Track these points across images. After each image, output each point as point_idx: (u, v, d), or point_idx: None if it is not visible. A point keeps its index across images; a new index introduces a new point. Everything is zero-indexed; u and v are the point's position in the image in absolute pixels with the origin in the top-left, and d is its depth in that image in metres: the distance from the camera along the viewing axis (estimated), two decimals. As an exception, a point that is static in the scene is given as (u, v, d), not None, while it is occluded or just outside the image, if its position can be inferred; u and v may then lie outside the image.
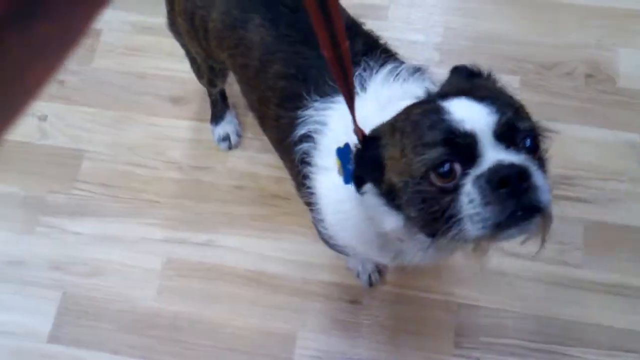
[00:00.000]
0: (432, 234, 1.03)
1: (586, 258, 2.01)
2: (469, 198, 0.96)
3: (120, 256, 2.11)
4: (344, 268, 2.04)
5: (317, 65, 1.36)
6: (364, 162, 1.09)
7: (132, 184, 2.22)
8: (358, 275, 2.01)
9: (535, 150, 1.01)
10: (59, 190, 2.22)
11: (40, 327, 2.03)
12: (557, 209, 2.00)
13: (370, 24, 1.55)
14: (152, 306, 2.04)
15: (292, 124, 1.37)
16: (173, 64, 2.24)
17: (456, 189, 0.97)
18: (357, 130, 1.09)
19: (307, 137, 1.33)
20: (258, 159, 2.22)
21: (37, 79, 0.33)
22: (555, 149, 2.09)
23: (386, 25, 2.46)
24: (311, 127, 1.32)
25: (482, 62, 1.23)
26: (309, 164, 1.34)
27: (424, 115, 1.02)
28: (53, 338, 2.01)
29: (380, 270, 2.01)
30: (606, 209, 2.08)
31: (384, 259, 1.39)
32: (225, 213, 2.15)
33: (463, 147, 0.97)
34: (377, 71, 1.32)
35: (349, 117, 1.06)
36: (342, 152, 1.19)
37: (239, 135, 2.26)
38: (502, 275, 2.00)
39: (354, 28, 1.46)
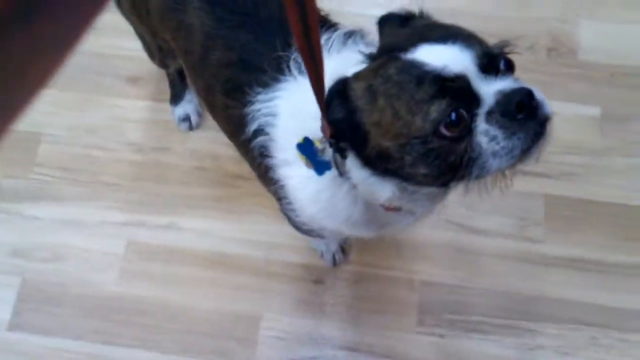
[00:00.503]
0: (446, 184, 1.03)
1: (547, 233, 2.02)
2: (489, 136, 0.96)
3: (80, 240, 2.08)
4: (307, 248, 2.03)
5: (256, 51, 1.32)
6: (343, 133, 1.05)
7: (91, 166, 2.18)
8: (322, 255, 2.00)
9: (512, 69, 1.02)
10: (17, 174, 2.18)
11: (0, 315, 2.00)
12: (517, 184, 2.01)
13: (330, -1, 1.52)
14: (115, 290, 2.02)
15: (242, 119, 1.33)
16: (132, 43, 2.18)
17: (468, 133, 0.97)
18: (325, 127, 1.05)
19: (261, 131, 1.30)
20: (219, 138, 2.18)
21: (38, 78, 0.33)
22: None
23: (347, 0, 2.42)
24: (262, 120, 1.29)
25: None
26: (268, 156, 1.31)
27: (403, 72, 0.99)
28: (13, 326, 1.99)
29: (344, 249, 2.01)
30: (567, 183, 2.08)
31: (369, 233, 1.37)
32: (186, 195, 2.13)
33: (459, 91, 0.96)
34: None
35: (296, 102, 1.04)
36: (304, 147, 1.16)
37: (199, 115, 2.22)
38: (464, 252, 2.01)
39: None
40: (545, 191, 2.08)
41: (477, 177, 0.99)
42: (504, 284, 1.97)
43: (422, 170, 1.01)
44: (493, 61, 0.99)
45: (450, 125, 0.96)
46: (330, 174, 1.19)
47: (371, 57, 1.09)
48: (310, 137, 1.16)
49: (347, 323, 1.96)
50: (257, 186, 2.06)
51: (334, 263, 1.99)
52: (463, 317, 1.95)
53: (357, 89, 1.04)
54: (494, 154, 0.96)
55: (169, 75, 2.15)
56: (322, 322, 1.97)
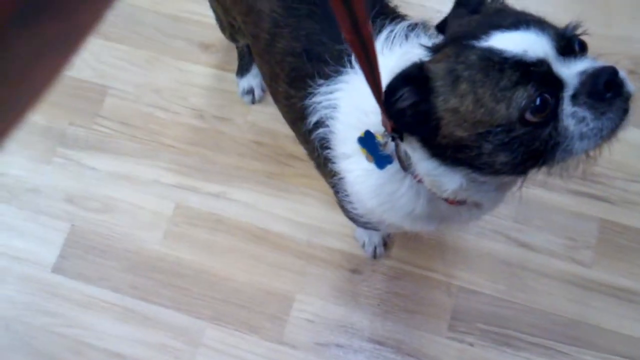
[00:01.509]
0: (525, 171, 1.03)
1: (597, 258, 1.97)
2: (577, 118, 0.95)
3: (131, 196, 2.13)
4: (350, 236, 2.03)
5: (321, 42, 1.32)
6: (408, 123, 1.03)
7: (152, 125, 2.22)
8: (363, 246, 2.00)
9: (586, 49, 1.02)
10: (80, 123, 2.23)
11: (46, 256, 2.07)
12: (574, 205, 1.96)
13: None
14: (157, 249, 2.06)
15: (303, 110, 1.33)
16: (207, 10, 2.20)
17: (553, 118, 0.97)
18: (386, 122, 1.05)
19: (322, 123, 1.30)
20: (279, 116, 2.16)
21: (44, 78, 0.33)
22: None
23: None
24: (322, 113, 1.29)
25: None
26: (329, 148, 1.31)
27: (484, 59, 0.97)
28: (57, 269, 2.05)
29: (386, 243, 2.00)
30: (626, 211, 2.02)
31: (429, 227, 1.35)
32: (241, 167, 2.15)
33: (542, 75, 0.95)
34: (377, 34, 1.26)
35: (357, 95, 1.03)
36: (365, 141, 1.16)
37: (263, 90, 2.23)
38: (507, 264, 1.97)
39: None
40: (602, 215, 2.01)
41: (560, 162, 0.99)
42: (544, 303, 1.93)
43: (502, 158, 0.99)
44: (569, 43, 0.98)
45: (535, 111, 0.95)
46: (392, 167, 1.18)
47: (436, 49, 1.06)
48: (372, 131, 1.15)
49: (379, 317, 1.95)
50: (311, 168, 2.07)
51: (375, 255, 1.99)
52: (496, 329, 1.92)
53: (439, 71, 1.01)
54: (582, 136, 0.95)
55: (237, 47, 2.16)
56: (354, 312, 1.96)
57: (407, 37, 1.25)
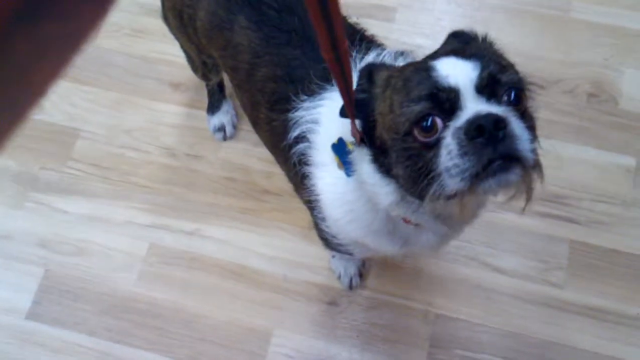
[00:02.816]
0: (419, 195, 1.04)
1: (569, 279, 2.00)
2: (447, 150, 0.96)
3: (105, 238, 2.12)
4: (326, 269, 2.04)
5: (303, 65, 1.37)
6: (362, 109, 1.10)
7: (124, 166, 2.22)
8: (339, 277, 2.00)
9: (517, 104, 1.01)
10: (52, 167, 2.23)
11: (20, 303, 2.04)
12: (544, 227, 1.99)
13: (377, 25, 1.55)
14: (132, 291, 2.05)
15: (285, 127, 1.37)
16: (176, 49, 2.22)
17: (437, 143, 0.98)
18: (355, 132, 1.10)
19: (302, 138, 1.33)
20: (252, 152, 2.22)
21: (44, 78, 0.34)
22: (548, 166, 2.08)
23: (393, 27, 2.44)
24: (304, 127, 1.33)
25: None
26: (307, 164, 1.34)
27: (414, 72, 1.04)
28: (31, 315, 2.03)
29: (361, 273, 2.01)
30: (594, 231, 2.06)
31: (393, 248, 1.37)
32: (214, 204, 2.15)
33: (445, 101, 0.98)
34: (361, 60, 1.32)
35: (338, 109, 1.07)
36: (338, 147, 1.21)
37: (234, 127, 2.25)
38: (482, 289, 1.99)
39: None
40: (571, 237, 2.05)
41: (438, 194, 0.98)
42: (519, 326, 1.95)
43: (399, 170, 1.05)
44: (494, 85, 1.00)
45: (423, 129, 0.99)
46: (357, 178, 1.21)
47: (424, 58, 1.13)
48: (344, 139, 1.20)
49: (357, 348, 1.95)
50: (284, 203, 2.10)
51: (351, 286, 1.99)
52: (474, 355, 1.93)
53: (380, 77, 1.10)
54: (448, 170, 0.96)
55: (207, 85, 2.18)
56: (333, 344, 1.96)
57: (395, 60, 1.32)
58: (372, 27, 1.50)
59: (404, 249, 1.36)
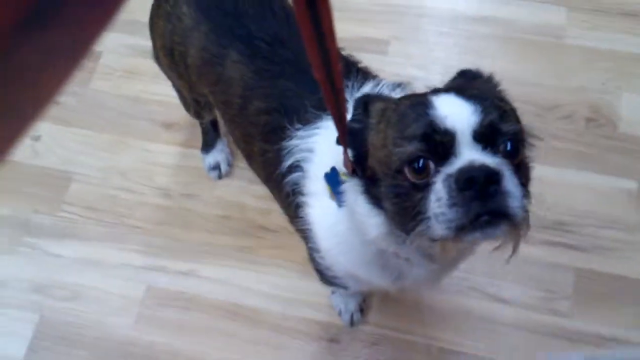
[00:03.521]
0: (406, 231, 1.01)
1: (575, 308, 1.95)
2: (437, 196, 0.94)
3: (100, 281, 2.08)
4: (326, 305, 1.99)
5: (297, 95, 1.35)
6: (355, 139, 1.07)
7: (118, 208, 2.19)
8: (340, 314, 1.96)
9: (514, 155, 0.98)
10: (45, 211, 2.20)
11: (14, 351, 1.99)
12: (547, 255, 1.95)
13: (370, 58, 1.54)
14: (129, 334, 2.00)
15: (279, 157, 1.35)
16: (168, 89, 2.22)
17: (428, 186, 0.96)
18: (347, 163, 1.08)
19: (296, 167, 1.31)
20: (247, 189, 2.19)
21: (50, 86, 0.34)
22: (549, 193, 2.04)
23: (386, 59, 2.44)
24: (298, 156, 1.31)
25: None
26: (300, 193, 1.32)
27: (411, 107, 1.01)
28: (26, 363, 1.98)
29: (362, 309, 1.96)
30: (599, 258, 2.01)
31: (386, 282, 1.34)
32: (210, 242, 2.12)
33: (440, 144, 0.96)
34: (358, 89, 1.30)
35: (333, 139, 1.04)
36: (330, 177, 1.18)
37: (229, 165, 2.23)
38: (486, 321, 1.94)
39: None
40: (576, 264, 2.00)
41: (425, 235, 0.97)
42: (524, 357, 1.89)
43: (387, 205, 1.03)
44: (493, 134, 0.97)
45: (414, 170, 0.96)
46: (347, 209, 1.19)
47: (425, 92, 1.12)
48: (337, 168, 1.17)
49: (361, 386, 1.90)
50: (282, 239, 2.06)
51: (352, 323, 1.95)
52: (481, 390, 1.87)
53: (376, 108, 1.07)
54: (436, 217, 0.94)
55: (201, 124, 2.17)
56: (335, 383, 1.91)
57: (393, 91, 1.31)
58: (366, 60, 1.48)
59: (397, 282, 1.33)
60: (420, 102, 1.01)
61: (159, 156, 2.29)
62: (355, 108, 1.10)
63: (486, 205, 0.92)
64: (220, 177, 2.23)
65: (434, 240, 0.97)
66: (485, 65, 2.34)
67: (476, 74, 1.18)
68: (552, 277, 1.98)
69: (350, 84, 1.31)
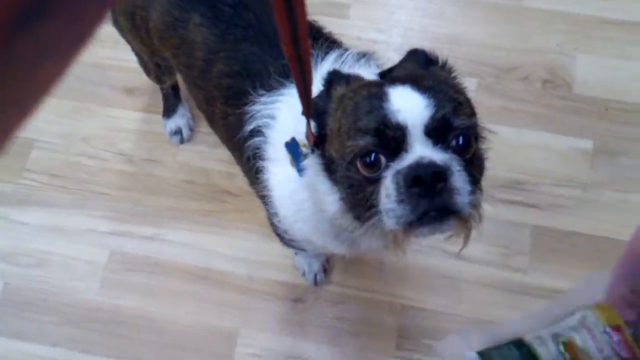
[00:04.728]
0: (359, 220, 1.05)
1: (532, 263, 2.01)
2: (386, 192, 0.96)
3: (65, 248, 2.08)
4: (290, 267, 2.02)
5: (261, 60, 1.35)
6: (319, 116, 1.09)
7: (81, 174, 2.19)
8: (304, 274, 1.99)
9: (465, 150, 1.00)
10: (6, 179, 2.19)
11: (-21, 317, 2.00)
12: (505, 213, 2.00)
13: (331, 22, 1.54)
14: (95, 299, 2.02)
15: (241, 121, 1.35)
16: (129, 55, 2.20)
17: (379, 180, 0.98)
18: (309, 136, 1.08)
19: (257, 132, 1.32)
20: (210, 154, 2.20)
21: (47, 78, 0.33)
22: (507, 153, 2.09)
23: (347, 23, 2.44)
24: (260, 121, 1.31)
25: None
26: (261, 158, 1.33)
27: (367, 98, 1.02)
28: (-8, 329, 1.98)
29: (325, 269, 2.00)
30: (555, 215, 2.07)
31: (341, 249, 1.37)
32: (174, 207, 2.13)
33: (391, 139, 0.97)
34: (322, 59, 1.31)
35: (298, 108, 1.05)
36: (291, 146, 1.19)
37: (191, 129, 2.23)
38: (447, 278, 2.00)
39: None
40: (533, 222, 2.06)
41: (376, 227, 1.00)
42: (484, 313, 1.95)
43: (342, 192, 1.05)
44: (444, 129, 0.98)
45: (365, 164, 0.99)
46: (307, 178, 1.20)
47: (382, 77, 1.14)
48: (297, 139, 1.18)
49: (326, 344, 1.94)
50: (246, 203, 2.08)
51: (315, 283, 1.98)
52: (442, 344, 1.92)
53: (336, 94, 1.09)
54: (386, 212, 0.97)
55: (162, 89, 2.16)
56: (301, 341, 1.95)
57: (357, 62, 1.31)
58: (327, 23, 1.49)
59: (352, 249, 1.36)
60: (375, 94, 1.02)
61: (121, 122, 2.28)
62: (323, 84, 1.12)
63: (433, 203, 0.94)
64: (182, 141, 2.23)
65: (384, 231, 1.00)
66: (446, 28, 2.39)
67: (430, 58, 1.18)
68: (510, 234, 2.04)
69: (315, 53, 1.31)
